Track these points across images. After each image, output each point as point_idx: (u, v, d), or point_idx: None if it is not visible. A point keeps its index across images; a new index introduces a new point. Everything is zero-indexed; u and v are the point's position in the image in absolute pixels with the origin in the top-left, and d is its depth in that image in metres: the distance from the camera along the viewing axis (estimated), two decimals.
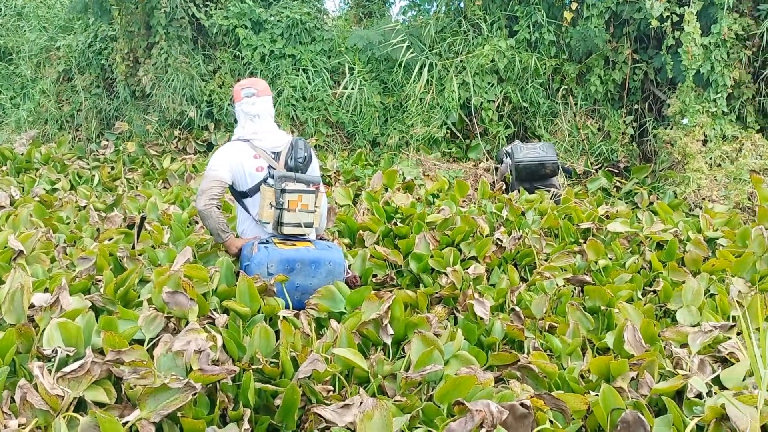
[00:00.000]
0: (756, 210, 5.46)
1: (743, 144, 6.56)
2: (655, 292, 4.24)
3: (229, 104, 8.07)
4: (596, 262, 4.53)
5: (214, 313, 3.36)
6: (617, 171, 7.31)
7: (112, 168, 7.32)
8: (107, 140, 8.25)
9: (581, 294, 4.15)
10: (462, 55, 7.50)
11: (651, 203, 6.24)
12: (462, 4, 7.83)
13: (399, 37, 7.47)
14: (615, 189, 6.93)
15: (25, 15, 9.66)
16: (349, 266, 4.28)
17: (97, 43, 8.70)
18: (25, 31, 9.51)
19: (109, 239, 4.57)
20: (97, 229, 4.99)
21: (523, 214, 5.35)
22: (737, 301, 3.58)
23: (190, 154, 7.83)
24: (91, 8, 7.89)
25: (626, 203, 6.49)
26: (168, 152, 7.77)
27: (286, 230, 3.78)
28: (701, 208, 5.93)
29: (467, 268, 4.35)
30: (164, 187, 6.68)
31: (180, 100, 8.04)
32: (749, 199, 5.97)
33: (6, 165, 6.87)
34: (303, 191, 3.77)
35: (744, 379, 2.76)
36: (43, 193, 5.98)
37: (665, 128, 7.10)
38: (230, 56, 8.28)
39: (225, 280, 3.70)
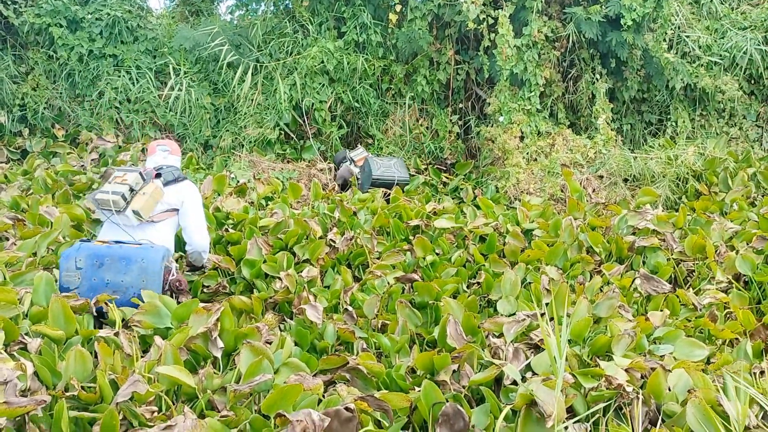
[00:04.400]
0: (567, 201, 5.96)
1: (555, 139, 7.10)
2: (479, 284, 4.48)
3: (44, 109, 7.51)
4: (424, 258, 4.71)
5: (26, 337, 3.11)
6: (445, 168, 7.64)
7: None
8: None
9: (412, 290, 4.30)
10: (292, 56, 7.48)
11: (476, 197, 6.59)
12: (290, 5, 7.80)
13: (224, 37, 7.30)
14: (442, 185, 7.24)
15: None
16: (178, 268, 4.14)
17: None
18: None
19: None
20: None
21: (355, 214, 5.44)
22: (547, 289, 3.87)
23: (1, 162, 7.17)
24: None
25: (453, 199, 6.80)
26: None
27: (99, 196, 3.85)
28: (520, 200, 6.35)
29: (301, 272, 4.37)
30: None
31: None
32: (562, 191, 6.47)
33: None
34: (130, 171, 3.98)
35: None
36: None
37: (487, 126, 7.52)
38: (44, 56, 7.69)
39: (44, 300, 3.45)
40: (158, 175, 4.13)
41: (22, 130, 7.54)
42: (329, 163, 7.44)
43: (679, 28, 7.62)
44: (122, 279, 3.58)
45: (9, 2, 7.50)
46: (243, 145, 7.37)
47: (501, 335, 3.40)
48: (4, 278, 3.65)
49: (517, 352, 3.19)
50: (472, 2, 6.82)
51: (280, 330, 3.84)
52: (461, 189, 6.99)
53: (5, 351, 2.91)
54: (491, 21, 7.16)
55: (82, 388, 2.74)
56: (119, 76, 7.59)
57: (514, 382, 2.95)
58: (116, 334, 3.15)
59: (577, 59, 7.60)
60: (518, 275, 4.24)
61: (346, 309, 3.88)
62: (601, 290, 4.18)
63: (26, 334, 3.15)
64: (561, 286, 3.53)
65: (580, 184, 6.30)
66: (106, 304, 3.48)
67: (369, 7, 7.60)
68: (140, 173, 4.00)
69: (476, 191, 6.89)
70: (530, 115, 7.23)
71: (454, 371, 3.08)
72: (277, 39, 7.58)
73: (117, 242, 3.79)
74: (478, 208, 5.88)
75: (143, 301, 3.47)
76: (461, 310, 3.65)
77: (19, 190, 5.98)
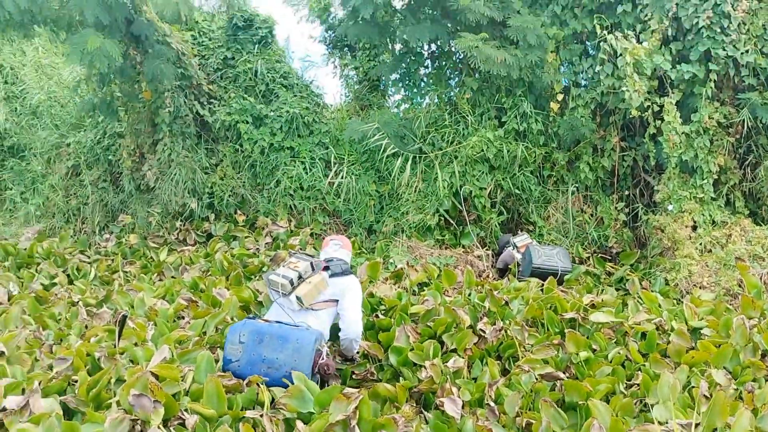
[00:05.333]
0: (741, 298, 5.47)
1: (732, 230, 6.58)
2: (638, 385, 4.19)
3: (228, 196, 8.28)
4: (577, 354, 4.51)
5: (184, 413, 3.39)
6: (610, 257, 7.33)
7: (113, 261, 7.46)
8: (110, 233, 8.43)
9: (560, 389, 4.12)
10: (453, 144, 7.70)
11: (644, 289, 6.23)
12: (453, 98, 8.09)
13: (386, 132, 7.69)
14: (606, 275, 6.93)
15: (39, 113, 10.08)
16: (328, 353, 4.30)
17: (105, 139, 9.02)
18: (37, 129, 9.91)
19: (95, 337, 4.65)
20: (86, 326, 5.07)
21: (506, 303, 5.36)
22: (705, 395, 3.54)
23: (189, 245, 7.96)
24: (98, 108, 8.23)
25: (618, 290, 6.48)
26: (168, 244, 7.91)
27: (272, 277, 4.27)
28: (692, 294, 5.91)
29: (447, 361, 4.36)
30: (159, 280, 6.77)
31: (182, 193, 8.22)
32: (739, 286, 5.94)
33: (8, 260, 7.03)
34: (303, 259, 4.41)
35: None
36: (39, 288, 6.11)
37: (656, 214, 7.15)
38: (232, 149, 8.53)
39: (204, 378, 3.75)
40: (326, 268, 4.44)
41: (209, 216, 8.33)
42: (487, 249, 7.44)
43: None
44: (277, 356, 3.84)
45: (205, 103, 8.48)
46: (404, 231, 7.60)
47: None
48: (172, 356, 4.01)
49: None
50: (635, 90, 6.66)
51: (426, 422, 3.84)
52: (627, 280, 6.64)
53: (165, 426, 3.19)
54: (656, 108, 6.92)
55: None
56: (294, 167, 8.22)
57: None
58: (262, 416, 3.34)
59: (755, 145, 7.07)
60: (680, 378, 3.93)
61: (488, 404, 3.80)
62: None
63: (185, 410, 3.43)
64: (718, 394, 3.21)
65: (761, 279, 5.75)
66: (258, 385, 3.71)
67: (530, 96, 7.69)
68: (311, 263, 4.36)
69: (643, 283, 6.51)
70: (703, 203, 6.79)
71: None
72: (438, 129, 7.85)
73: (278, 322, 4.08)
74: (640, 301, 5.55)
75: (293, 382, 3.67)
76: (609, 414, 3.43)
77: (200, 271, 6.61)
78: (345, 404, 3.35)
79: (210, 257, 7.10)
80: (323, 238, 7.79)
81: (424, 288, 6.12)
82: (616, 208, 7.68)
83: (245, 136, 8.34)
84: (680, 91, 6.86)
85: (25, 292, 6.02)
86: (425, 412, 3.91)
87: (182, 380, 3.68)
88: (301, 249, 7.05)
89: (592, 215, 7.73)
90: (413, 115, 8.12)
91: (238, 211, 8.34)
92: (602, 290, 6.38)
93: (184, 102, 8.27)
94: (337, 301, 4.41)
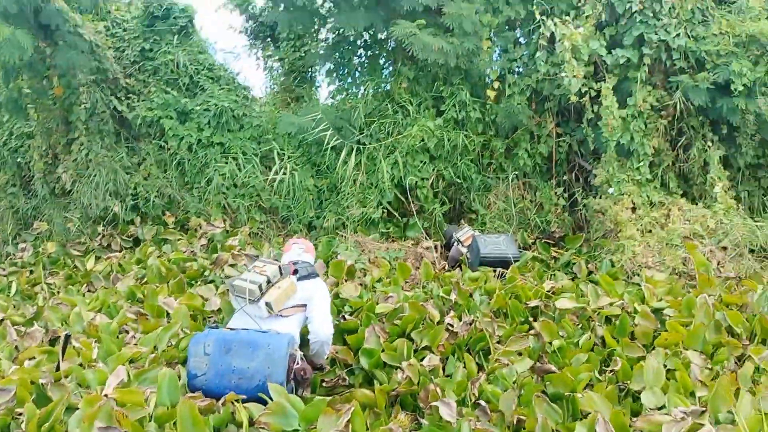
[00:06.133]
0: (692, 275, 5.61)
1: (670, 210, 6.76)
2: (612, 371, 4.17)
3: (155, 197, 7.76)
4: (551, 343, 4.46)
5: None
6: (554, 242, 7.39)
7: (31, 272, 6.85)
8: (25, 242, 7.75)
9: (540, 380, 4.04)
10: (393, 136, 7.53)
11: (590, 273, 6.29)
12: (389, 87, 7.92)
13: (327, 122, 7.44)
14: (553, 260, 6.97)
15: None
16: (303, 357, 4.04)
17: (13, 140, 8.30)
18: None
19: (30, 359, 4.19)
20: (16, 347, 4.57)
21: (470, 295, 5.26)
22: (700, 381, 3.54)
23: (115, 251, 7.40)
24: (4, 106, 7.53)
25: (565, 274, 6.52)
26: (92, 251, 7.33)
27: (237, 282, 4.00)
28: (638, 275, 6.02)
29: (422, 359, 4.19)
30: (88, 291, 6.23)
31: (103, 195, 7.62)
32: (684, 264, 6.10)
33: None
34: (270, 263, 4.15)
35: None
36: None
37: (594, 197, 7.26)
38: (155, 147, 8.00)
39: (168, 399, 3.41)
40: (295, 272, 4.19)
41: (134, 219, 7.78)
42: (435, 240, 7.34)
43: None
44: (248, 365, 3.55)
45: (123, 98, 7.92)
46: (346, 226, 7.38)
47: None
48: (129, 377, 3.63)
49: None
50: (574, 76, 6.71)
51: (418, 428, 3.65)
52: (573, 264, 6.70)
53: None
54: (593, 93, 7.01)
55: None
56: (226, 163, 7.80)
57: None
58: None
59: (686, 127, 7.29)
60: (660, 362, 3.93)
61: (478, 404, 3.66)
62: (754, 381, 3.80)
63: None
64: (722, 378, 3.22)
65: (705, 257, 5.92)
66: (233, 403, 3.42)
67: (467, 85, 7.64)
68: (279, 267, 4.08)
69: (590, 266, 6.59)
70: (641, 185, 6.95)
71: None
72: (378, 121, 7.66)
73: (244, 329, 3.80)
74: (597, 284, 5.59)
75: (269, 395, 3.40)
76: (607, 406, 3.38)
77: (135, 279, 6.13)
78: (335, 418, 3.13)
79: (143, 263, 6.59)
80: (263, 238, 7.53)
81: (376, 284, 5.93)
82: (555, 193, 7.76)
83: (170, 132, 7.84)
84: (615, 76, 6.97)
85: None
86: (420, 418, 3.73)
87: (146, 404, 3.33)
88: (241, 249, 6.69)
89: (532, 201, 7.78)
90: (349, 106, 7.89)
91: (167, 213, 7.82)
92: (553, 275, 6.40)
93: (101, 97, 7.70)
94: (305, 305, 4.16)
